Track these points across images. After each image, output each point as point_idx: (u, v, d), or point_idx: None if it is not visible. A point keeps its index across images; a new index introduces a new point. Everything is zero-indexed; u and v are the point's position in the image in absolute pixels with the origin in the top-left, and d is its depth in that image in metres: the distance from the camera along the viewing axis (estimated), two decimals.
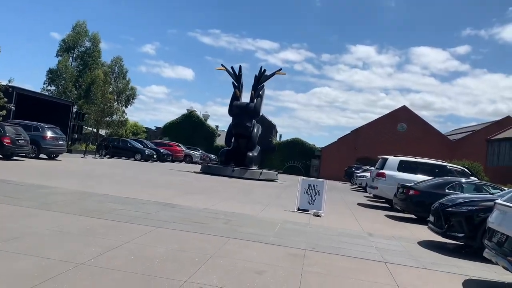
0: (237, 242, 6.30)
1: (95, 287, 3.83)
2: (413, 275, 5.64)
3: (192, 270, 4.61)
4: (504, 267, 5.01)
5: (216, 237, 6.49)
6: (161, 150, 32.68)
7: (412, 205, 11.66)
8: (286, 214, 10.06)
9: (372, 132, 43.38)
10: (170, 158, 33.64)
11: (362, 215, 12.00)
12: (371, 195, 18.23)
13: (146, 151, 30.30)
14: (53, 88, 44.53)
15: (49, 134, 19.85)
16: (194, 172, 23.17)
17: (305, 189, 10.88)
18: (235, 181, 19.61)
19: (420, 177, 13.92)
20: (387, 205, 15.77)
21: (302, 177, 11.23)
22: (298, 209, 10.83)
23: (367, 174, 24.28)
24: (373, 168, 29.74)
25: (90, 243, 5.30)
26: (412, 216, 12.43)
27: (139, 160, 29.57)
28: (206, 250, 5.61)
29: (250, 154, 23.10)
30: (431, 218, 8.43)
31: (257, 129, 23.95)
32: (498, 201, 5.60)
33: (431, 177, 13.40)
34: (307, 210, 10.80)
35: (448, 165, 15.13)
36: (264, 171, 22.93)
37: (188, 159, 37.69)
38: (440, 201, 8.43)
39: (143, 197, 9.97)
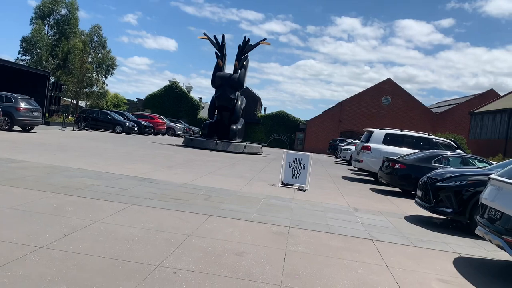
0: (217, 220, 5.92)
1: (54, 274, 3.40)
2: (402, 253, 5.38)
3: (166, 253, 4.22)
4: (498, 246, 4.76)
5: (195, 214, 6.09)
6: (143, 123, 31.88)
7: (398, 179, 11.47)
8: (270, 189, 9.72)
9: (357, 105, 43.21)
10: (152, 130, 32.90)
11: (347, 189, 11.78)
12: (356, 168, 18.07)
13: (127, 123, 29.49)
14: (28, 57, 42.68)
15: (22, 105, 18.92)
16: (176, 145, 22.63)
17: (289, 163, 10.53)
18: (218, 155, 19.19)
19: (405, 150, 13.73)
20: (371, 179, 15.63)
21: (287, 150, 10.87)
22: (283, 184, 10.52)
23: (352, 147, 24.14)
24: (358, 141, 29.68)
25: (55, 223, 4.84)
26: (397, 189, 12.28)
27: (120, 133, 28.80)
28: (183, 229, 5.21)
29: (234, 127, 22.60)
30: (418, 193, 8.20)
31: (241, 101, 23.36)
32: (493, 176, 5.31)
33: (417, 150, 13.20)
34: (292, 185, 10.49)
35: (434, 137, 14.95)
36: (248, 144, 22.53)
37: (170, 131, 36.99)
38: (428, 175, 8.18)
39: (119, 171, 9.48)
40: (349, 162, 23.37)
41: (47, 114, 27.92)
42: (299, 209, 7.58)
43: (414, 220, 7.93)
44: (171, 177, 9.71)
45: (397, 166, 11.50)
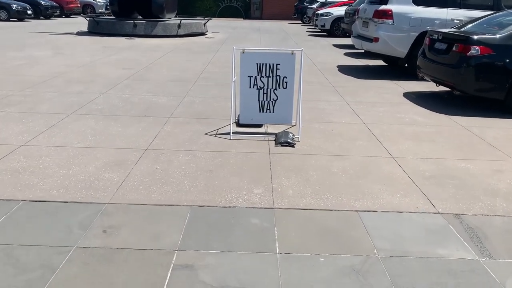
0: None
1: None
2: None
3: None
4: None
5: None
6: (42, 2, 23.09)
7: (476, 79, 5.58)
8: (204, 163, 3.66)
9: None
10: (58, 11, 24.24)
11: (373, 112, 5.83)
12: (364, 50, 10.19)
13: (14, 5, 20.78)
14: None
15: None
16: (77, 33, 15.15)
17: (250, 77, 4.31)
18: (133, 46, 12.27)
19: (462, 14, 7.58)
20: (382, 64, 9.71)
21: (241, 49, 4.43)
22: (239, 125, 4.48)
23: (331, 10, 17.46)
24: (334, 0, 22.52)
25: None
26: (446, 89, 6.52)
27: (6, 20, 20.44)
28: None
29: None
30: None
31: None
32: None
33: (484, 13, 7.11)
34: (260, 126, 4.50)
35: None
36: (184, 21, 15.24)
37: (89, 10, 28.14)
38: None
39: None
40: (328, 33, 16.98)
41: None
42: None
43: None
44: None
45: (473, 51, 5.52)
